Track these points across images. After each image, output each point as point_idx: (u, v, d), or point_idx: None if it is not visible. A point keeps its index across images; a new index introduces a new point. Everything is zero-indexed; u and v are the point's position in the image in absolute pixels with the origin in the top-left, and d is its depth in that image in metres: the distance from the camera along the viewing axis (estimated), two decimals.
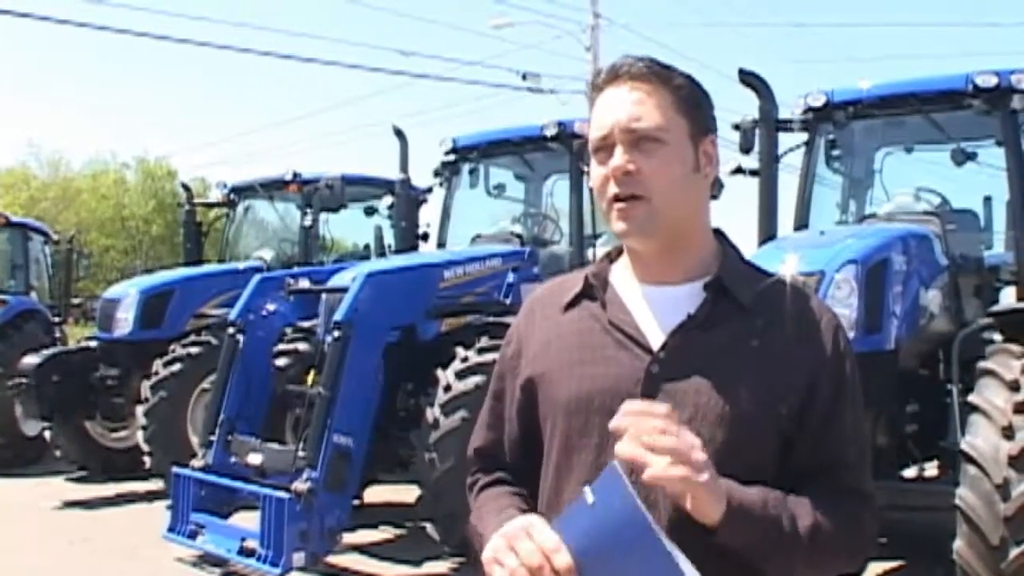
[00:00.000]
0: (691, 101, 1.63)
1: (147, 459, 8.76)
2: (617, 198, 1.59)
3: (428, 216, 9.06)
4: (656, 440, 1.38)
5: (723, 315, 1.60)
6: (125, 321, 9.61)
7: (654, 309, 1.64)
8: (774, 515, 1.49)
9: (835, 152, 6.97)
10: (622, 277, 1.71)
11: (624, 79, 1.61)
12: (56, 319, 12.32)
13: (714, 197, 1.75)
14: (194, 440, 8.21)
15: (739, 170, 6.56)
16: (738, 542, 1.47)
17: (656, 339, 1.60)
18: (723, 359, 1.56)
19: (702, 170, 1.64)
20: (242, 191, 10.92)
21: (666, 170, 1.59)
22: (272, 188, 10.52)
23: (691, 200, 1.64)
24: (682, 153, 1.61)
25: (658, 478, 1.38)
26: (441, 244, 8.64)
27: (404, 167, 8.17)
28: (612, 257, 1.77)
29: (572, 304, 1.71)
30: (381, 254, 9.74)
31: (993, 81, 6.00)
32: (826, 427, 1.59)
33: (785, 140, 6.56)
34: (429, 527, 6.60)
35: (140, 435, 8.79)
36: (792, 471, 1.58)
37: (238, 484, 6.58)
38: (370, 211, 10.31)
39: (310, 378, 6.87)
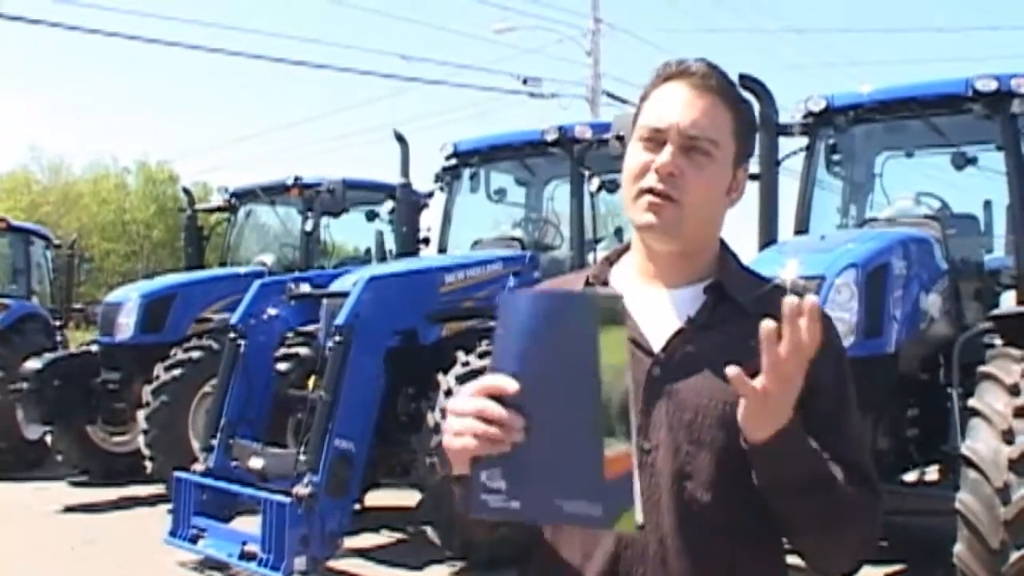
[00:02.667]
0: (747, 127, 1.67)
1: (148, 463, 8.76)
2: (652, 191, 1.60)
3: (429, 221, 9.08)
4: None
5: (723, 318, 1.62)
6: (126, 325, 9.61)
7: (655, 311, 1.65)
8: (820, 458, 1.50)
9: (835, 156, 6.98)
10: (622, 280, 1.72)
11: (695, 80, 1.62)
12: (57, 323, 12.33)
13: None
14: (195, 444, 8.21)
15: None
16: (781, 467, 1.46)
17: (657, 342, 1.61)
18: (723, 361, 1.57)
19: (731, 194, 1.67)
20: (243, 196, 10.93)
21: (707, 185, 1.61)
22: (273, 193, 10.53)
23: (715, 216, 1.67)
24: (723, 174, 1.64)
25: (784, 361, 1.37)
26: (442, 249, 8.65)
27: (405, 171, 8.18)
28: (612, 260, 1.78)
29: None
30: (382, 259, 9.76)
31: (993, 85, 6.01)
32: (831, 427, 1.59)
33: (785, 145, 6.58)
34: (430, 531, 6.61)
35: (141, 439, 8.79)
36: None
37: (239, 488, 6.58)
38: (371, 216, 10.31)
39: (311, 382, 6.89)
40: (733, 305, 1.63)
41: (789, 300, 1.37)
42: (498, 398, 1.37)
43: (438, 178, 8.78)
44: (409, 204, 8.36)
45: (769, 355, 1.38)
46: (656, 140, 1.61)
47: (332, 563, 6.41)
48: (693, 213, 1.60)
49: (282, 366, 7.51)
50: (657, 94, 1.65)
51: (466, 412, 1.39)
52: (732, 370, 1.38)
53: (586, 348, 1.31)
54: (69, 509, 8.98)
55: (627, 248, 1.77)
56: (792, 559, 1.66)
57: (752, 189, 6.09)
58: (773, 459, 1.46)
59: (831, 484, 1.51)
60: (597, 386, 1.31)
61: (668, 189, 1.59)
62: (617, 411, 1.31)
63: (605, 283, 1.72)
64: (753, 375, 1.56)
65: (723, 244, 1.74)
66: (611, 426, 1.31)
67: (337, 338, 6.37)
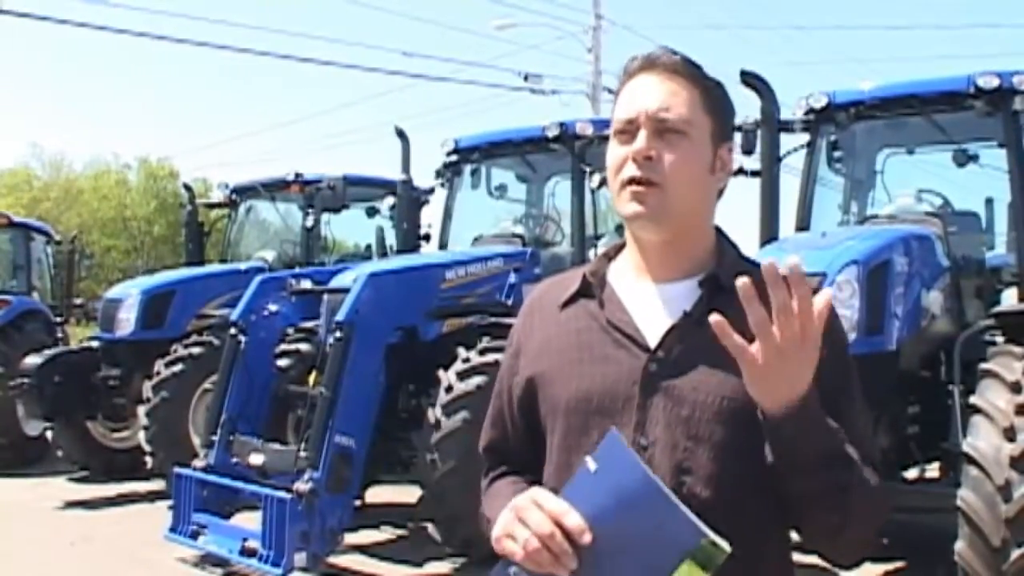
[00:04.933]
0: (719, 104, 1.67)
1: (149, 459, 8.78)
2: (633, 180, 1.60)
3: (430, 217, 9.07)
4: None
5: (720, 311, 1.60)
6: (127, 321, 9.61)
7: (652, 307, 1.65)
8: (838, 434, 1.49)
9: (837, 153, 6.97)
10: (620, 275, 1.72)
11: (659, 69, 1.64)
12: (58, 319, 12.32)
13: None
14: (196, 440, 8.22)
15: (741, 171, 6.56)
16: (799, 441, 1.45)
17: (654, 337, 1.61)
18: (720, 355, 1.56)
19: (716, 173, 1.67)
20: (244, 192, 10.93)
21: (685, 163, 1.61)
22: (274, 189, 10.53)
23: (701, 198, 1.66)
24: (702, 151, 1.63)
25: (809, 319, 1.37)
26: (443, 245, 8.64)
27: (406, 168, 8.17)
28: (610, 255, 1.78)
29: (569, 302, 1.73)
30: (383, 255, 9.74)
31: (995, 82, 5.99)
32: (835, 415, 1.59)
33: (787, 141, 6.57)
34: (430, 528, 6.61)
35: (142, 435, 8.80)
36: None
37: (240, 484, 6.58)
38: (372, 212, 10.31)
39: (312, 379, 6.88)
40: (730, 297, 1.61)
41: (767, 264, 1.36)
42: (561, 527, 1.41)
43: (439, 174, 8.77)
44: (410, 200, 8.35)
45: (753, 315, 1.38)
46: (630, 131, 1.62)
47: (332, 559, 6.41)
48: (677, 194, 1.60)
49: (282, 362, 7.50)
50: (625, 90, 1.67)
51: (532, 527, 1.42)
52: (715, 318, 1.39)
53: (661, 563, 1.36)
54: (69, 505, 8.98)
55: (625, 243, 1.77)
56: (793, 557, 1.66)
57: (753, 186, 6.09)
58: (790, 432, 1.44)
59: (848, 462, 1.49)
60: None
61: (647, 174, 1.59)
62: None
63: (603, 280, 1.72)
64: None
65: (721, 234, 1.73)
66: None
67: (338, 334, 6.37)
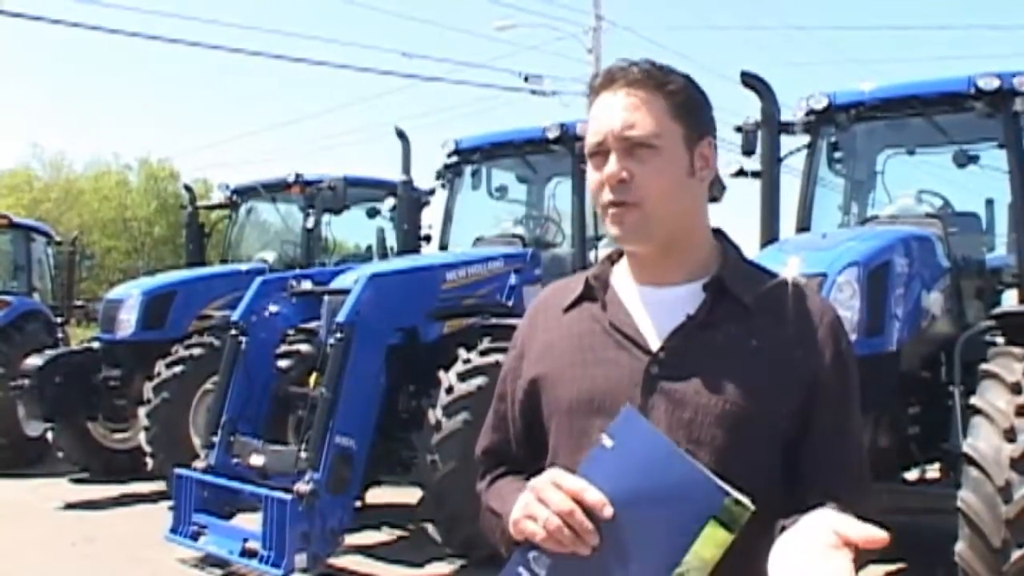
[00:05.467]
0: (687, 106, 1.64)
1: (149, 460, 8.77)
2: (611, 203, 1.60)
3: (430, 218, 9.09)
4: None
5: (723, 315, 1.61)
6: (127, 322, 9.62)
7: (654, 310, 1.64)
8: None
9: (837, 154, 6.97)
10: (623, 279, 1.72)
11: (620, 84, 1.62)
12: (58, 320, 12.32)
13: (715, 199, 1.76)
14: (196, 441, 8.23)
15: (741, 172, 6.57)
16: None
17: (655, 340, 1.61)
18: (723, 359, 1.57)
19: (698, 174, 1.64)
20: (244, 193, 10.93)
21: (659, 177, 1.59)
22: (274, 190, 10.53)
23: (686, 204, 1.64)
24: (676, 159, 1.61)
25: None
26: (443, 246, 8.65)
27: (406, 169, 8.17)
28: (613, 259, 1.78)
29: (573, 306, 1.73)
30: (383, 256, 9.75)
31: (995, 83, 6.00)
32: (835, 428, 1.60)
33: (787, 142, 6.57)
34: (431, 528, 6.60)
35: (142, 436, 8.80)
36: (797, 471, 1.58)
37: (240, 485, 6.58)
38: (372, 213, 10.31)
39: (312, 379, 6.89)
40: (734, 302, 1.62)
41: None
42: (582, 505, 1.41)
43: (439, 175, 8.78)
44: (410, 201, 8.35)
45: None
46: (601, 154, 1.62)
47: (333, 560, 6.41)
48: (657, 209, 1.59)
49: (283, 363, 7.51)
50: (592, 111, 1.66)
51: (552, 506, 1.42)
52: None
53: (686, 527, 1.37)
54: (70, 506, 8.98)
55: None
56: None
57: (753, 187, 6.09)
58: None
59: None
60: (675, 560, 1.37)
61: (623, 196, 1.59)
62: None
63: (607, 283, 1.72)
64: (752, 374, 1.56)
65: (723, 237, 1.73)
66: None
67: (338, 335, 6.37)
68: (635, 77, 1.61)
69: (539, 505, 1.45)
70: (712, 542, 1.36)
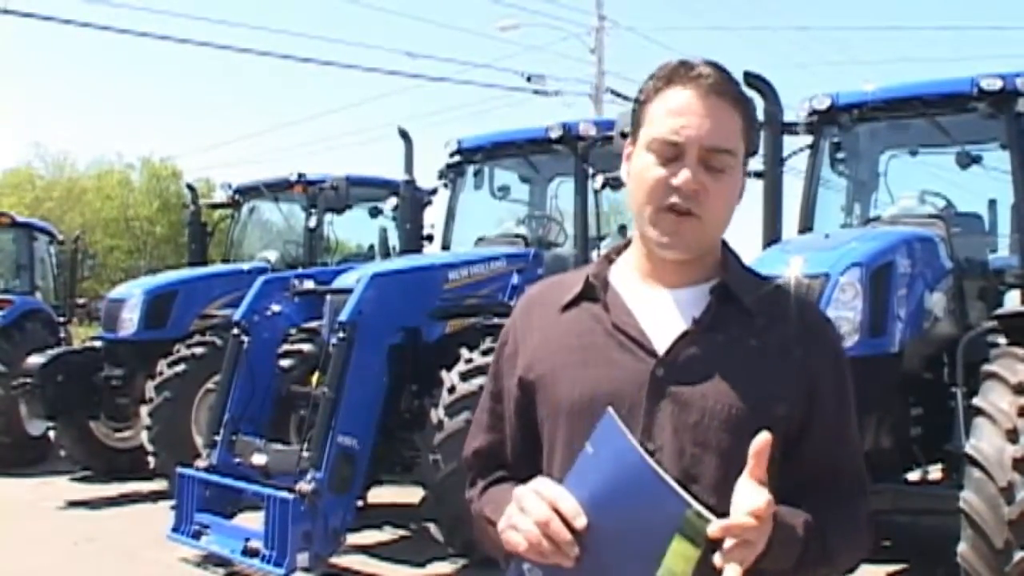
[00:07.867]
0: (751, 126, 1.64)
1: (151, 459, 8.77)
2: (674, 209, 1.57)
3: (433, 218, 9.06)
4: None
5: (727, 319, 1.61)
6: (130, 321, 9.62)
7: (657, 312, 1.63)
8: (806, 537, 1.50)
9: (840, 155, 6.95)
10: (623, 278, 1.70)
11: (705, 87, 1.58)
12: (61, 319, 12.33)
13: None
14: (198, 440, 8.23)
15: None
16: (776, 566, 1.47)
17: (660, 342, 1.59)
18: (728, 362, 1.56)
19: (741, 196, 1.67)
20: (247, 192, 10.93)
21: (727, 195, 1.61)
22: (277, 189, 10.53)
23: (728, 223, 1.66)
24: (738, 180, 1.63)
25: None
26: (446, 246, 8.65)
27: (409, 168, 8.17)
28: (611, 257, 1.75)
29: (571, 304, 1.70)
30: (386, 255, 9.75)
31: (998, 84, 5.99)
32: (834, 432, 1.61)
33: (790, 143, 6.56)
34: (433, 528, 6.61)
35: (144, 435, 8.80)
36: (796, 474, 1.58)
37: (242, 484, 6.59)
38: (375, 212, 10.30)
39: (314, 379, 6.88)
40: (737, 306, 1.62)
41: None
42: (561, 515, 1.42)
43: (442, 175, 8.78)
44: (413, 201, 8.34)
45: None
46: (672, 155, 1.57)
47: (335, 559, 6.41)
48: (712, 224, 1.60)
49: (285, 362, 7.51)
50: (665, 101, 1.59)
51: (531, 515, 1.43)
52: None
53: (658, 539, 1.37)
54: (71, 505, 8.99)
55: (627, 245, 1.74)
56: None
57: (756, 188, 6.08)
58: (775, 560, 1.46)
59: (822, 542, 1.52)
60: (651, 574, 1.37)
61: (691, 206, 1.56)
62: None
63: (605, 281, 1.69)
64: (755, 377, 1.56)
65: (724, 244, 1.72)
66: None
67: (340, 335, 6.37)
68: (723, 86, 1.58)
69: (521, 515, 1.45)
70: (681, 557, 1.36)
